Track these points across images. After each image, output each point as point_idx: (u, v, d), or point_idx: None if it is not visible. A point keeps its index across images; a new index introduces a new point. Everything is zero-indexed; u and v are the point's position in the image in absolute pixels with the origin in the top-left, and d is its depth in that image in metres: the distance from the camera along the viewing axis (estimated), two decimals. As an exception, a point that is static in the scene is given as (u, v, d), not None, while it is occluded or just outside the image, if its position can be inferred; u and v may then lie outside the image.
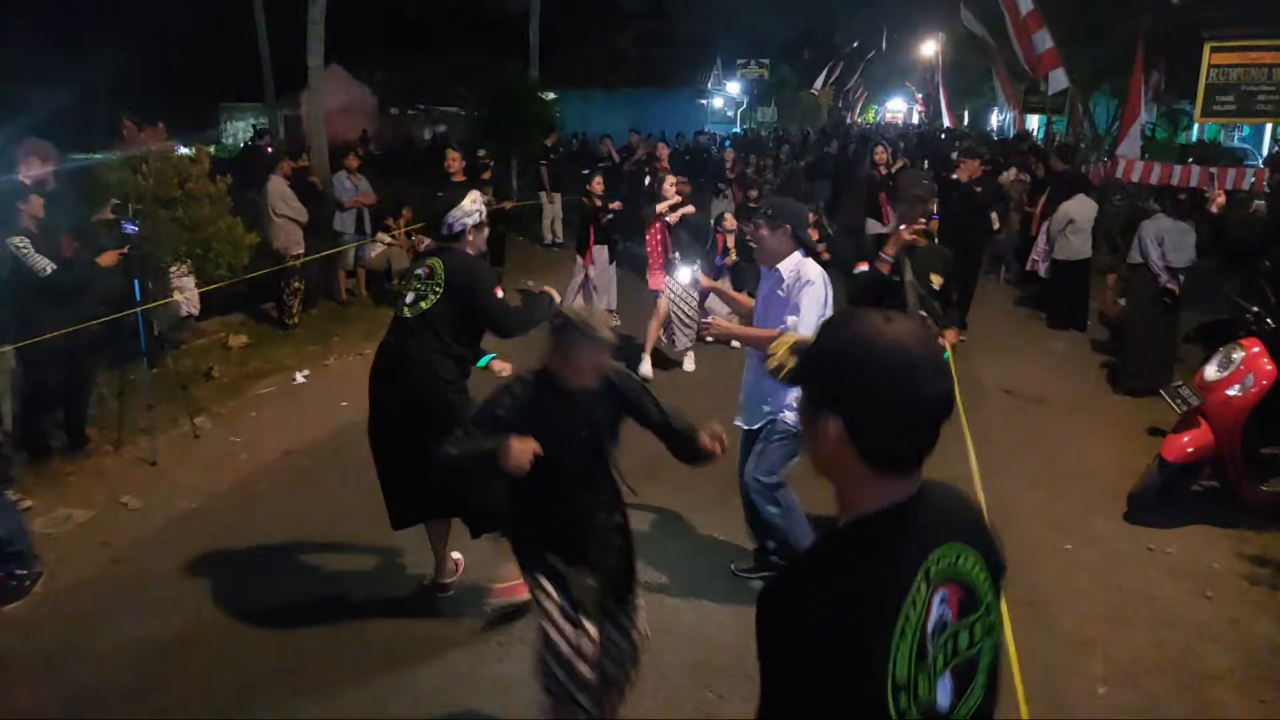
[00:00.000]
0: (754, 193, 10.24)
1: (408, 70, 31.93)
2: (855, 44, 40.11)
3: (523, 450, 2.51)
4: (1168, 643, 3.84)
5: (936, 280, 4.17)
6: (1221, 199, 5.78)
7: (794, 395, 3.45)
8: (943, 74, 31.31)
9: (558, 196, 13.50)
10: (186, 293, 7.37)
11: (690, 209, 7.93)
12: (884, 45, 41.74)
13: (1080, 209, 8.85)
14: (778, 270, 3.82)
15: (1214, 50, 9.41)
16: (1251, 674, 3.64)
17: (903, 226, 4.14)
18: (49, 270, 5.07)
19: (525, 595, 3.67)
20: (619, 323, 8.70)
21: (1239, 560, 4.51)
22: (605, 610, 2.80)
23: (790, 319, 3.68)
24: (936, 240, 4.49)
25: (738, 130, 31.61)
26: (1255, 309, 5.14)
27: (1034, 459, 5.77)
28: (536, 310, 3.85)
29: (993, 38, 16.68)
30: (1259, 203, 10.04)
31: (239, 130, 31.82)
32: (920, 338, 1.25)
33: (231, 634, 3.83)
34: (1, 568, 4.05)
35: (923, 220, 4.21)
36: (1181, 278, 6.93)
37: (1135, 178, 10.72)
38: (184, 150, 7.50)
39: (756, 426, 3.95)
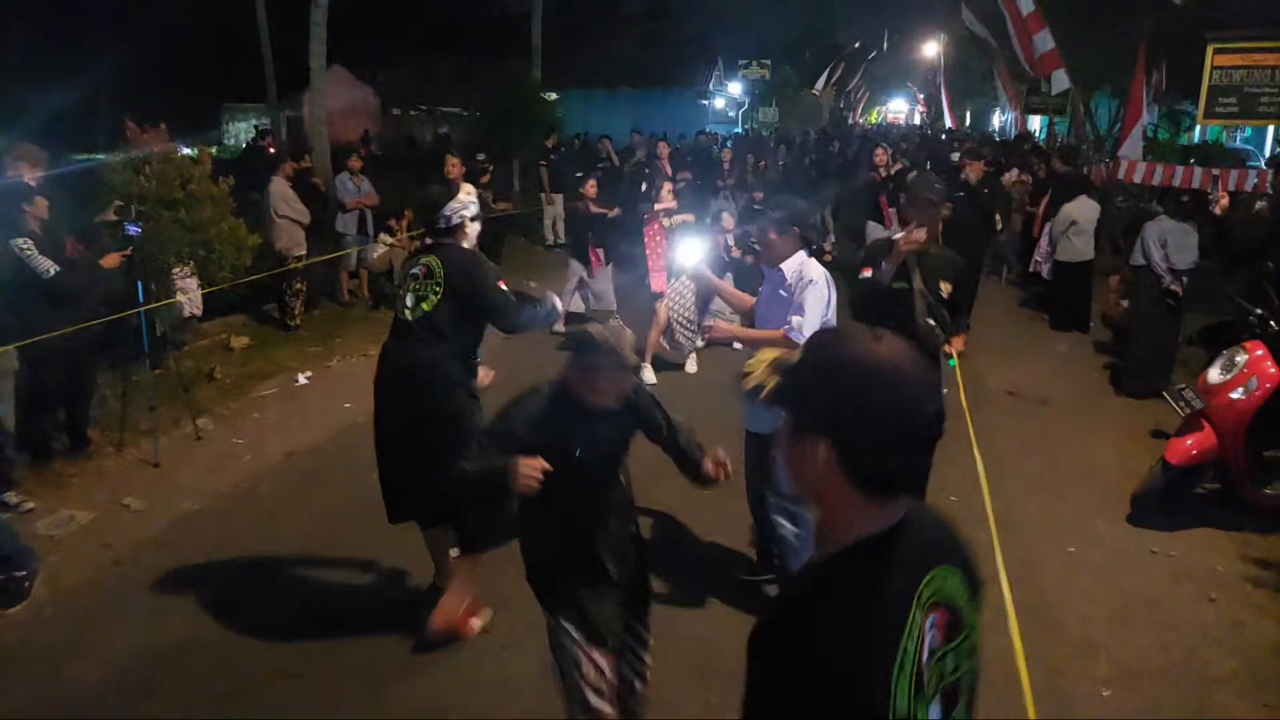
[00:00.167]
0: (759, 194, 10.22)
1: (410, 71, 31.91)
2: (857, 44, 40.13)
3: (531, 470, 2.45)
4: (1171, 646, 3.84)
5: (946, 288, 4.07)
6: (1225, 201, 5.78)
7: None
8: (944, 74, 31.29)
9: (558, 198, 13.49)
10: (190, 294, 7.37)
11: (689, 218, 7.97)
12: (885, 45, 41.73)
13: (1082, 210, 8.84)
14: (780, 270, 3.81)
15: (1217, 52, 9.41)
16: (1255, 678, 3.64)
17: (898, 237, 4.04)
18: (52, 272, 5.07)
19: (469, 633, 3.74)
20: (618, 323, 8.72)
21: (1242, 563, 4.51)
22: (625, 625, 2.79)
23: (794, 319, 3.66)
24: (940, 241, 4.39)
25: (739, 130, 31.59)
26: (1259, 311, 5.13)
27: (1036, 460, 5.77)
28: (539, 311, 3.81)
29: (994, 38, 16.67)
30: (1261, 204, 10.04)
31: (241, 131, 31.80)
32: (911, 357, 1.21)
33: (234, 636, 3.82)
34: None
35: (920, 236, 4.00)
36: (1185, 279, 6.92)
37: (1137, 179, 10.71)
38: (186, 151, 7.51)
39: (769, 432, 3.91)
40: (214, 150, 10.66)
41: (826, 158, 17.44)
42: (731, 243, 8.06)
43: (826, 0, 38.09)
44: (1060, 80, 12.00)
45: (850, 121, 39.29)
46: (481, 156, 11.08)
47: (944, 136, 27.29)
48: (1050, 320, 9.28)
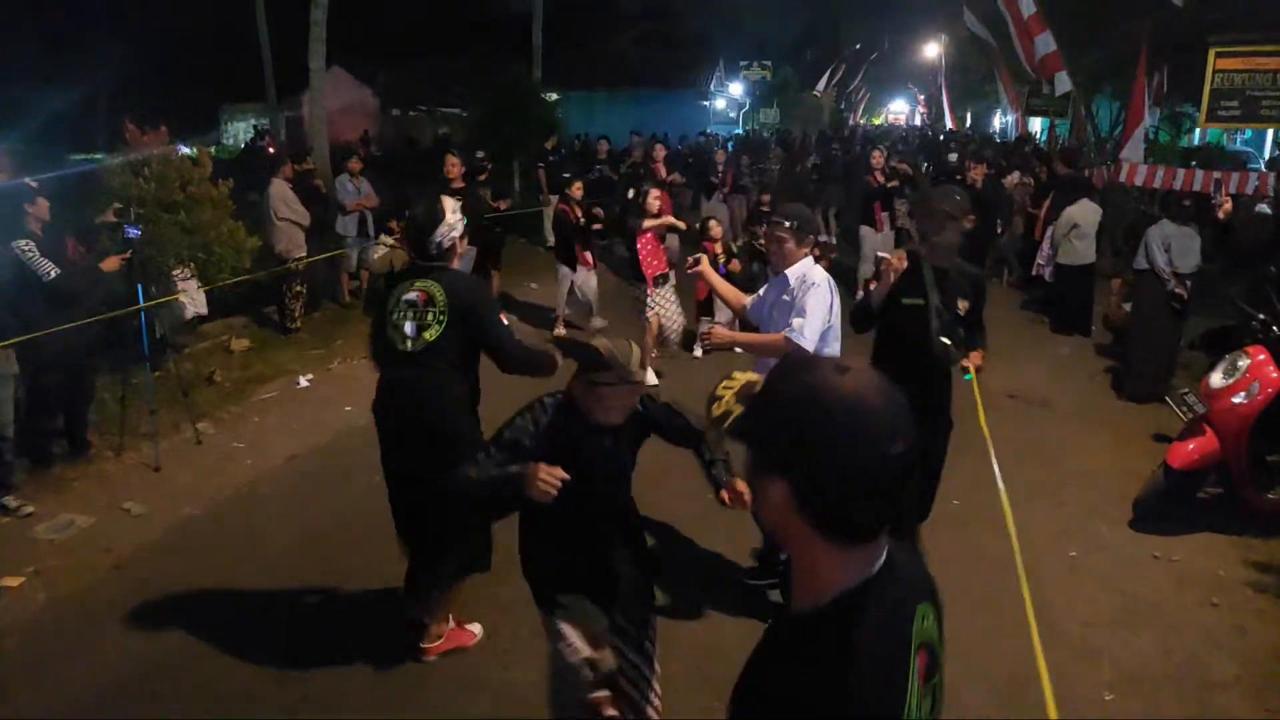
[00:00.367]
0: (766, 196, 10.20)
1: (409, 71, 31.93)
2: (858, 45, 40.09)
3: (550, 477, 2.39)
4: (1174, 650, 3.83)
5: (963, 306, 3.92)
6: (1229, 205, 5.77)
7: None
8: (945, 76, 31.27)
9: (555, 199, 13.48)
10: (194, 294, 7.34)
11: (680, 224, 7.98)
12: (886, 46, 41.68)
13: (1084, 213, 8.84)
14: (785, 275, 3.81)
15: (1218, 55, 9.39)
16: (1258, 682, 3.63)
17: (886, 257, 3.97)
18: (53, 274, 5.06)
19: (467, 642, 3.74)
20: (604, 323, 8.74)
21: (1245, 568, 4.50)
22: (624, 634, 2.78)
23: (796, 321, 3.64)
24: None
25: (740, 131, 31.59)
26: (1261, 316, 5.13)
27: (1037, 464, 5.76)
28: (542, 359, 3.57)
29: (995, 40, 16.66)
30: (1261, 206, 10.03)
31: (240, 131, 31.84)
32: (880, 391, 1.09)
33: (235, 640, 3.81)
34: None
35: (900, 265, 3.84)
36: (1188, 283, 6.92)
37: (1139, 181, 10.70)
38: (185, 150, 7.50)
39: None
40: (213, 150, 10.63)
41: (829, 159, 17.42)
42: (719, 252, 8.02)
43: (828, 1, 38.05)
44: (1063, 82, 11.98)
45: (851, 122, 39.25)
46: (481, 155, 11.05)
47: (941, 137, 27.26)
48: (1051, 323, 9.27)
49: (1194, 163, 12.30)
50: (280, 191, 8.45)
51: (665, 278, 7.45)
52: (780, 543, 1.18)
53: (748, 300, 4.14)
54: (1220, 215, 5.79)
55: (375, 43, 31.01)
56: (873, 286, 4.07)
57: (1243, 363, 4.80)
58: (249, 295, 8.45)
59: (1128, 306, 7.76)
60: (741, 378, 1.34)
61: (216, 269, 6.76)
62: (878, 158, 10.49)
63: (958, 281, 3.92)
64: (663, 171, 11.42)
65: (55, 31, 22.74)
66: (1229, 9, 10.77)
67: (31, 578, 4.35)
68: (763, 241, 5.82)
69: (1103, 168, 11.57)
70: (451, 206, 3.57)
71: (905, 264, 3.83)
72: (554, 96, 18.15)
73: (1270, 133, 17.78)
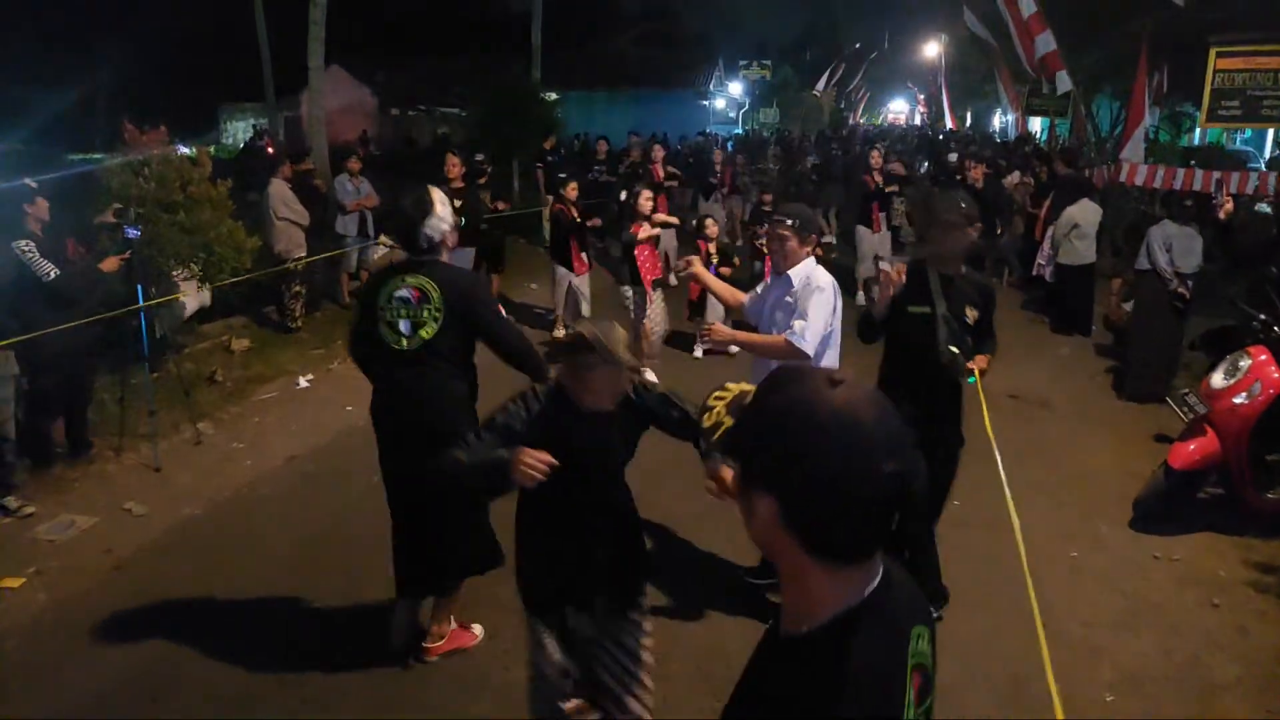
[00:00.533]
0: (767, 196, 10.19)
1: (408, 71, 31.95)
2: (858, 45, 40.11)
3: (536, 462, 2.36)
4: (1175, 651, 3.83)
5: (971, 314, 3.83)
6: (1230, 206, 5.76)
7: None
8: (945, 75, 31.27)
9: (552, 200, 13.46)
10: (194, 291, 7.31)
11: (674, 220, 7.98)
12: (886, 46, 41.70)
13: (1084, 213, 8.83)
14: (788, 275, 3.78)
15: (1219, 55, 9.39)
16: (1259, 683, 3.63)
17: (885, 266, 3.97)
18: (53, 275, 5.06)
19: (469, 643, 3.74)
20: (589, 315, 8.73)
21: (1246, 568, 4.50)
22: (605, 630, 2.76)
23: (797, 323, 3.62)
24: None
25: (739, 131, 31.60)
26: (1262, 316, 5.12)
27: (1037, 464, 5.75)
28: (540, 362, 3.46)
29: (995, 39, 16.66)
30: (1261, 206, 10.04)
31: (239, 130, 31.84)
32: (873, 405, 1.05)
33: (236, 641, 3.81)
34: None
35: (899, 278, 3.74)
36: (1190, 283, 6.92)
37: (1139, 181, 10.70)
38: (185, 150, 7.49)
39: None
40: (212, 150, 10.61)
41: (829, 159, 17.42)
42: (713, 251, 8.01)
43: (827, 1, 38.10)
44: (1064, 81, 11.99)
45: (851, 122, 39.27)
46: (480, 157, 11.04)
47: (940, 137, 27.26)
48: (1052, 323, 9.26)
49: (1194, 162, 12.30)
50: (279, 191, 8.44)
51: (661, 282, 7.47)
52: (770, 560, 1.13)
53: (745, 298, 4.12)
54: (1221, 215, 5.78)
55: (374, 42, 31.04)
56: (874, 290, 4.06)
57: (1244, 363, 4.80)
58: (249, 295, 8.44)
59: (1128, 306, 7.76)
60: (734, 388, 1.30)
61: (216, 269, 6.76)
62: (876, 158, 10.47)
63: (965, 290, 3.84)
64: (660, 174, 11.39)
65: (54, 31, 22.77)
66: (1229, 9, 10.77)
67: (32, 578, 4.34)
68: (764, 241, 5.82)
69: (1103, 167, 11.57)
70: (440, 198, 3.47)
71: (904, 277, 3.75)
72: (553, 96, 18.12)
73: (1270, 132, 17.79)
